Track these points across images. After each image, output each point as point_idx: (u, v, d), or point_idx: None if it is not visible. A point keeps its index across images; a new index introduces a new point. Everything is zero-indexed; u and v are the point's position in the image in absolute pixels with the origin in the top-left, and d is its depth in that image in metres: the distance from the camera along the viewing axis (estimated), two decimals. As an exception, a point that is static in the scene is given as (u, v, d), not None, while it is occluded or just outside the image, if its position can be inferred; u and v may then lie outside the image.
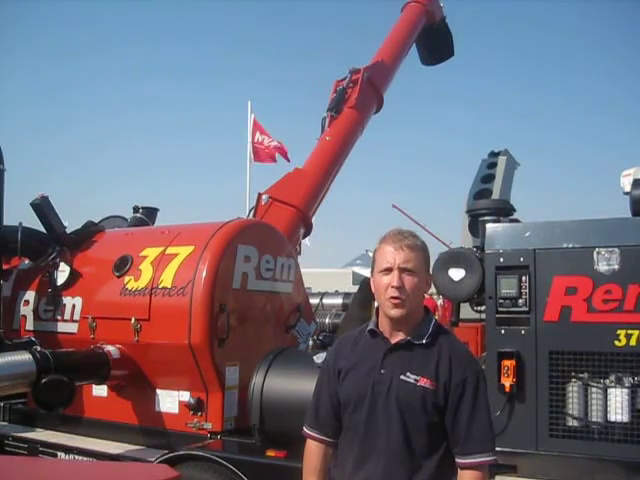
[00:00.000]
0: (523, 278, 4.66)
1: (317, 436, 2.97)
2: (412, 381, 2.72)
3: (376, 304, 2.96)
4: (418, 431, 2.70)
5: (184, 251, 5.42)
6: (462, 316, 5.91)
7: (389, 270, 2.76)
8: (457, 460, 2.72)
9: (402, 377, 2.73)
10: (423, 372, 2.73)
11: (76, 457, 5.43)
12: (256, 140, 14.49)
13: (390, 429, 2.71)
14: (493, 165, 9.36)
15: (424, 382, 2.71)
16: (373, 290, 2.88)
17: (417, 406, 2.70)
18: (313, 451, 2.98)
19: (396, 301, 2.73)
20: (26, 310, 6.31)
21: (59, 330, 5.99)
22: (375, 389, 2.76)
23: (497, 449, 2.78)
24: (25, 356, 4.94)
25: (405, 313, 2.75)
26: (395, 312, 2.75)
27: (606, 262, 4.45)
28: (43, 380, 4.87)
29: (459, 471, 2.73)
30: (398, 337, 2.81)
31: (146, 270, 5.53)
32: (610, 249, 4.46)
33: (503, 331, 4.71)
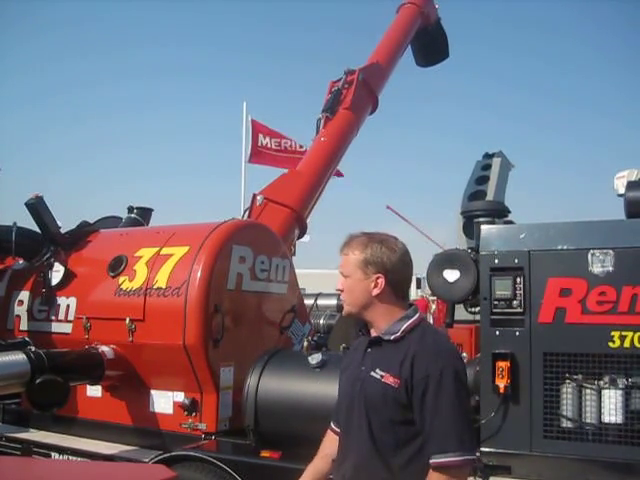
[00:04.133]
0: (518, 279, 4.66)
1: (333, 427, 3.13)
2: (378, 377, 2.76)
3: None
4: (382, 429, 2.73)
5: (179, 251, 5.41)
6: (456, 317, 5.92)
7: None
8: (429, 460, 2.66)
9: (372, 373, 2.78)
10: (389, 369, 2.75)
11: (70, 457, 5.42)
12: (259, 144, 14.22)
13: (360, 427, 2.77)
14: (487, 167, 9.42)
15: (387, 379, 2.73)
16: None
17: (378, 402, 2.73)
18: (327, 437, 3.15)
19: (342, 302, 3.00)
20: (20, 310, 6.29)
21: (53, 330, 5.97)
22: (354, 387, 2.85)
23: (491, 450, 2.77)
24: (19, 356, 4.93)
25: (348, 312, 2.96)
26: (343, 311, 3.01)
27: (600, 264, 4.46)
28: (37, 380, 4.85)
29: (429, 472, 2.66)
30: (373, 335, 2.92)
31: (141, 270, 5.52)
32: (604, 251, 4.47)
33: (497, 332, 4.71)
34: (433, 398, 2.65)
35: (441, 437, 2.62)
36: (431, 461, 2.62)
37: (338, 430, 3.04)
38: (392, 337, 2.81)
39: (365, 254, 2.87)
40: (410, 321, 2.86)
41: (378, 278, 2.87)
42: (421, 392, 2.66)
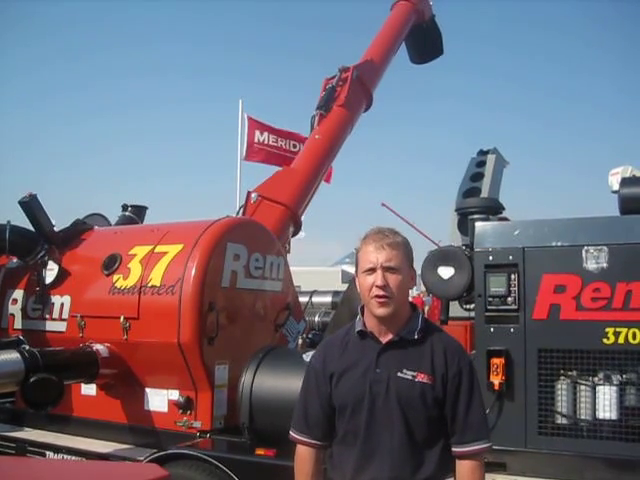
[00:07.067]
0: (512, 276, 4.67)
1: (308, 440, 2.94)
2: (410, 377, 2.74)
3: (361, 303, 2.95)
4: (419, 426, 2.73)
5: (173, 249, 5.39)
6: (451, 314, 5.93)
7: (372, 270, 2.77)
8: (455, 449, 2.76)
9: (399, 374, 2.75)
10: (419, 368, 2.76)
11: (65, 456, 5.40)
12: (256, 140, 14.09)
13: (393, 427, 2.73)
14: (482, 164, 9.39)
15: (422, 377, 2.74)
16: (358, 290, 2.89)
17: (417, 402, 2.73)
18: (305, 456, 2.95)
19: (382, 300, 2.74)
20: (14, 309, 6.26)
21: (48, 329, 5.96)
22: (373, 389, 2.77)
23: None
24: (13, 355, 4.90)
25: (392, 311, 2.76)
26: (382, 311, 2.76)
27: (595, 260, 4.47)
28: (31, 379, 4.83)
29: (457, 461, 2.77)
30: (389, 335, 2.82)
31: (135, 268, 5.51)
32: (599, 247, 4.48)
33: (492, 329, 4.72)
34: (467, 392, 2.77)
35: (476, 427, 2.77)
36: (466, 449, 2.75)
37: (316, 442, 2.92)
38: (416, 336, 2.81)
39: (407, 249, 2.87)
40: (421, 318, 2.89)
41: (415, 273, 2.93)
42: (456, 386, 2.76)
